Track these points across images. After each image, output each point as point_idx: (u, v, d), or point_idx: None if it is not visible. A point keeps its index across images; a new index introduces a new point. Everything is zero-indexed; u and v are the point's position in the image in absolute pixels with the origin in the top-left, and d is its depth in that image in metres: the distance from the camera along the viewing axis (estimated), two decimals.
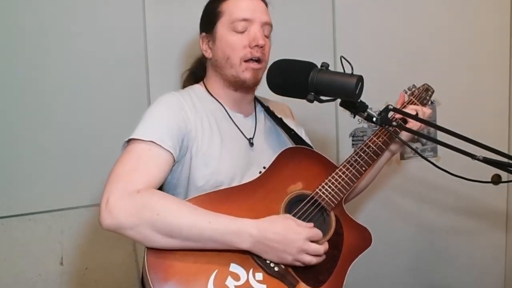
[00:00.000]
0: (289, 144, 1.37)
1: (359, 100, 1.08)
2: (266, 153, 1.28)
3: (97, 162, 1.64)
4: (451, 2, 2.14)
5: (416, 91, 1.51)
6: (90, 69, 1.67)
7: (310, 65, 1.09)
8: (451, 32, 2.15)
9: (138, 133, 1.10)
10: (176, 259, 1.02)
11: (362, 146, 1.32)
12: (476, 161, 1.00)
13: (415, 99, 1.47)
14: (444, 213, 2.22)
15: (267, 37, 1.26)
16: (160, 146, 1.09)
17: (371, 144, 1.32)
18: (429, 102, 1.52)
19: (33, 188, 1.63)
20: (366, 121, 1.35)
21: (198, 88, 1.31)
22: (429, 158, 1.39)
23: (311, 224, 1.12)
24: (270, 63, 1.17)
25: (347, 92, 1.04)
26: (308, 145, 1.37)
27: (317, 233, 1.10)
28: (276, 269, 1.08)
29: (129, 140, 1.11)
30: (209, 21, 1.25)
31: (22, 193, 1.63)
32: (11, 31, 1.58)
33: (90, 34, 1.66)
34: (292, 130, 1.37)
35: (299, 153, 1.27)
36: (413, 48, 2.10)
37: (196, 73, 1.39)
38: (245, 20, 1.20)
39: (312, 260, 1.09)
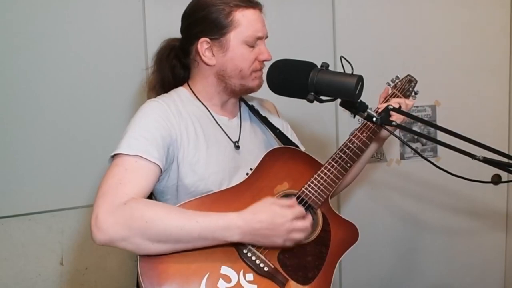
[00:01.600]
0: (275, 143, 1.37)
1: (359, 100, 1.08)
2: (252, 154, 1.28)
3: (97, 162, 1.64)
4: (451, 2, 2.14)
5: (399, 83, 1.49)
6: (90, 69, 1.67)
7: (310, 65, 1.09)
8: (451, 32, 2.15)
9: (123, 147, 1.09)
10: (168, 264, 1.03)
11: (346, 142, 1.31)
12: (476, 161, 1.00)
13: (398, 91, 1.46)
14: (444, 213, 2.22)
15: None
16: (146, 159, 1.08)
17: (355, 140, 1.32)
18: (413, 93, 1.50)
19: (33, 188, 1.63)
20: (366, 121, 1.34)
21: (183, 91, 1.28)
22: (429, 158, 1.39)
23: (293, 201, 1.14)
24: (269, 63, 1.18)
25: (347, 92, 1.04)
26: (294, 144, 1.38)
27: (300, 210, 1.12)
28: (266, 269, 1.10)
29: (116, 154, 1.10)
30: (216, 27, 1.19)
31: (22, 193, 1.63)
32: (11, 32, 1.58)
33: (90, 34, 1.66)
34: (277, 128, 1.37)
35: (284, 153, 1.28)
36: (413, 48, 2.10)
37: (165, 82, 1.32)
38: (259, 38, 1.22)
39: (301, 236, 1.11)
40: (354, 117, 1.21)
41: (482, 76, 2.20)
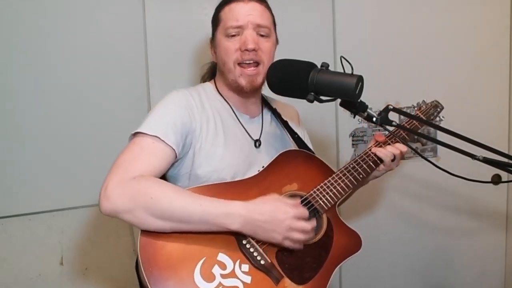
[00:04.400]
0: (292, 147, 1.39)
1: (359, 100, 1.08)
2: (269, 155, 1.30)
3: (97, 162, 1.64)
4: (451, 2, 2.14)
5: (424, 106, 1.50)
6: (90, 69, 1.67)
7: (310, 65, 1.09)
8: (451, 32, 2.15)
9: (144, 127, 1.14)
10: (167, 241, 1.06)
11: (362, 154, 1.34)
12: (476, 161, 1.00)
13: (422, 114, 1.48)
14: (444, 213, 2.22)
15: (266, 36, 1.25)
16: (163, 141, 1.12)
17: (371, 153, 1.34)
18: (437, 118, 1.52)
19: (33, 188, 1.63)
20: (366, 121, 1.35)
21: (208, 86, 1.34)
22: (429, 158, 1.40)
23: (298, 202, 1.16)
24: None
25: (347, 92, 1.04)
26: (310, 150, 1.39)
27: (303, 211, 1.14)
28: (262, 262, 1.11)
29: (136, 133, 1.14)
30: (213, 27, 1.31)
31: (22, 193, 1.63)
32: (11, 32, 1.58)
33: (90, 34, 1.66)
34: (296, 133, 1.39)
35: (298, 155, 1.29)
36: (413, 48, 2.10)
37: (214, 67, 1.40)
38: (238, 27, 1.23)
39: (300, 237, 1.12)
40: (354, 117, 1.21)
41: (482, 76, 2.20)
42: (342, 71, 1.07)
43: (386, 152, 1.34)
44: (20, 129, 1.61)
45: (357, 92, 1.04)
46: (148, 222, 1.04)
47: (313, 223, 1.15)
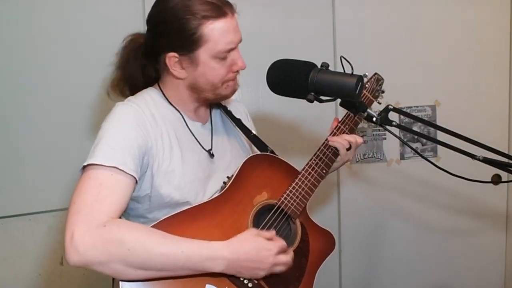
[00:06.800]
0: (247, 146, 1.35)
1: (359, 100, 1.08)
2: (225, 160, 1.25)
3: None
4: (451, 2, 2.14)
5: (368, 83, 1.44)
6: (90, 69, 1.67)
7: (310, 65, 1.09)
8: (451, 32, 2.15)
9: (98, 158, 1.02)
10: (152, 285, 1.00)
11: (322, 147, 1.30)
12: (476, 161, 1.00)
13: (368, 92, 1.41)
14: (444, 213, 2.22)
15: None
16: (123, 171, 1.01)
17: (329, 145, 1.30)
18: (381, 93, 1.47)
19: (33, 188, 1.63)
20: (366, 121, 1.34)
21: (155, 93, 1.20)
22: (429, 158, 1.39)
23: (273, 233, 1.12)
24: (270, 62, 1.17)
25: (347, 92, 1.04)
26: (268, 147, 1.34)
27: (282, 244, 1.11)
28: (250, 285, 1.09)
29: (90, 164, 1.02)
30: (184, 43, 1.10)
31: (22, 193, 1.63)
32: (9, 32, 1.58)
33: (90, 34, 1.66)
34: (251, 132, 1.33)
35: (262, 161, 1.25)
36: (413, 48, 2.10)
37: (133, 79, 1.23)
38: (231, 49, 1.13)
39: (283, 269, 1.10)
40: (354, 117, 1.21)
41: (482, 76, 2.20)
42: (342, 71, 1.07)
43: (341, 141, 1.29)
44: (20, 129, 1.61)
45: (357, 92, 1.04)
46: (127, 273, 0.96)
47: (291, 253, 1.13)
